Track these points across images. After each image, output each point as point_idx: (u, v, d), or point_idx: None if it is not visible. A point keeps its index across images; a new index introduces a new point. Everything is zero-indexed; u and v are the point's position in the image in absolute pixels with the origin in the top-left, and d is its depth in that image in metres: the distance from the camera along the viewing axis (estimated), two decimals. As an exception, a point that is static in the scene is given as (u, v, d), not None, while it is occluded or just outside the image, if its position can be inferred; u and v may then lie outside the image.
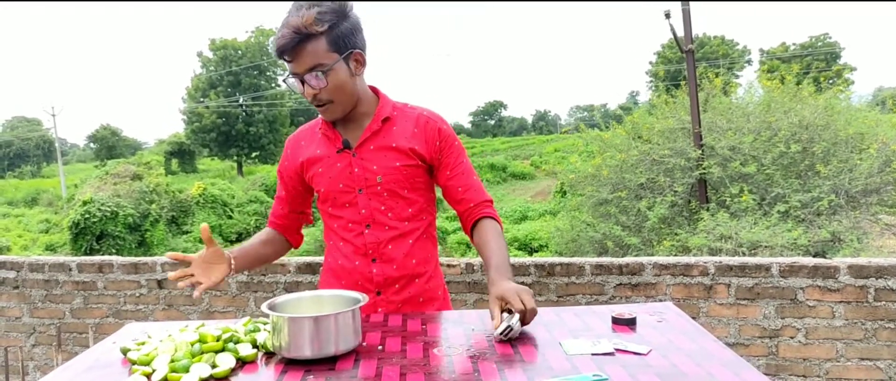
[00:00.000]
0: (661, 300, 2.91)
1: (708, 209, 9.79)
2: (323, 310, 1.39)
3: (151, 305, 3.42)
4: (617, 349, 1.31)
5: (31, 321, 3.60)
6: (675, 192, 10.35)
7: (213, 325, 1.55)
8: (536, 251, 18.13)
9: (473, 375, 1.22)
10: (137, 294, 3.44)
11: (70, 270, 3.52)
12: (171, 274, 1.53)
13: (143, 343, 1.43)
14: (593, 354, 1.30)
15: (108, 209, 22.75)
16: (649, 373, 1.20)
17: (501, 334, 1.35)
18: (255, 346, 1.38)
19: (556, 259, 2.99)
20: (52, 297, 3.56)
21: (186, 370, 1.23)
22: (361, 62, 1.65)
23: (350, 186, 1.70)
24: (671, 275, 2.91)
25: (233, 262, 1.64)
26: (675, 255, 8.87)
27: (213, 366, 1.26)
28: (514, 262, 3.04)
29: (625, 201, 10.75)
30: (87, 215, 22.21)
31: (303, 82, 1.59)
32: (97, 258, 3.52)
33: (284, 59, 1.58)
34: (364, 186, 1.69)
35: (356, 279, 1.72)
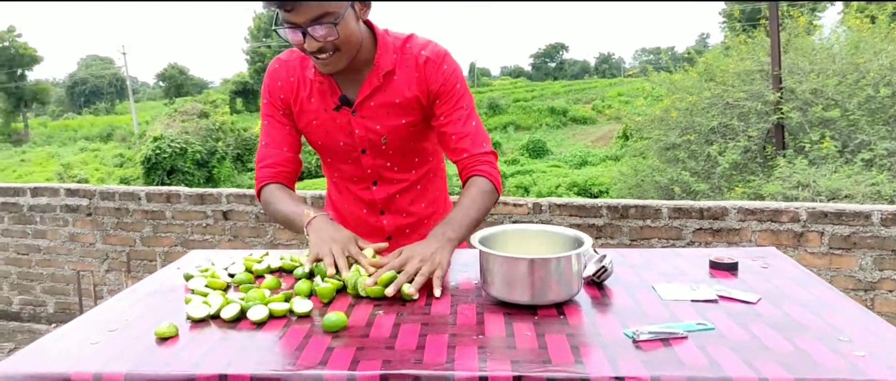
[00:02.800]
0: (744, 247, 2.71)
1: (784, 156, 9.28)
2: (529, 248, 1.25)
3: (217, 235, 3.45)
4: (720, 296, 1.17)
5: (103, 248, 3.71)
6: (749, 137, 9.84)
7: (274, 254, 1.48)
8: (596, 197, 17.79)
9: (559, 318, 1.10)
10: (204, 225, 3.48)
11: (139, 199, 3.58)
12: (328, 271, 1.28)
13: (205, 270, 1.37)
14: (693, 300, 1.15)
15: (178, 146, 23.56)
16: (760, 323, 1.05)
17: (594, 276, 1.22)
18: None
19: (631, 201, 2.81)
20: (123, 225, 3.64)
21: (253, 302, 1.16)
22: (368, 4, 1.41)
23: (351, 146, 1.52)
24: (757, 221, 2.70)
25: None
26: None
27: (289, 299, 1.18)
28: (584, 203, 2.89)
29: (694, 145, 10.29)
30: (158, 151, 23.07)
31: (304, 34, 1.30)
32: (165, 188, 3.55)
33: (282, 9, 1.28)
34: (367, 146, 1.51)
35: (364, 229, 1.61)
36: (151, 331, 1.07)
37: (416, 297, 1.19)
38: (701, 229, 2.77)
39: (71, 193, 3.71)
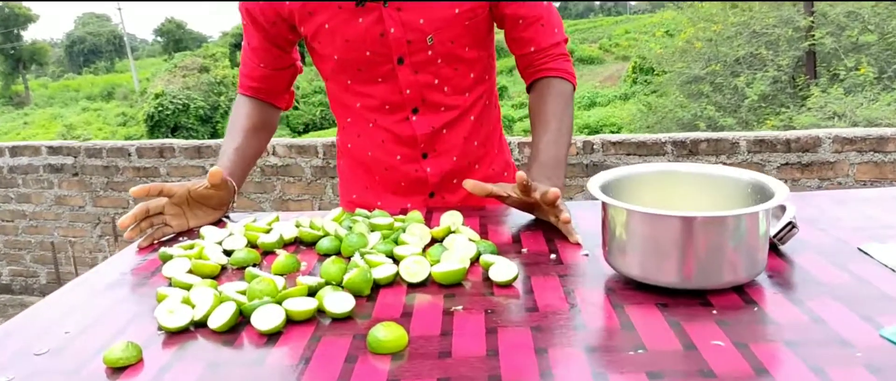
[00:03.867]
0: (840, 184, 2.29)
1: (817, 84, 8.76)
2: (681, 201, 0.85)
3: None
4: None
5: (94, 211, 3.33)
6: (779, 66, 9.30)
7: (288, 220, 1.07)
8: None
9: (752, 311, 0.69)
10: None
11: (129, 154, 3.18)
12: (120, 220, 1.02)
13: (189, 246, 0.96)
14: (948, 271, 0.74)
15: (180, 102, 23.05)
16: None
17: (776, 237, 0.81)
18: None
19: (701, 134, 2.38)
20: (114, 185, 3.25)
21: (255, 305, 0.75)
22: None
23: (383, 55, 1.10)
24: (856, 151, 2.26)
25: (235, 188, 1.14)
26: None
27: (312, 292, 0.78)
28: (645, 139, 2.45)
29: (719, 77, 9.76)
30: (160, 108, 22.61)
31: None
32: (157, 142, 3.14)
33: None
34: (406, 52, 1.10)
35: (398, 179, 1.21)
36: (100, 355, 0.67)
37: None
38: (787, 164, 2.34)
39: (53, 151, 3.30)
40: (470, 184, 0.90)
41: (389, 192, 1.22)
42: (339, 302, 0.72)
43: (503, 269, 0.79)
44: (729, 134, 2.36)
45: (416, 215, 1.00)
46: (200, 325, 0.73)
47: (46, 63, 52.91)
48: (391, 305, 0.75)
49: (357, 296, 0.78)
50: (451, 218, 0.99)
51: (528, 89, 1.18)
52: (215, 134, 23.18)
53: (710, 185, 0.83)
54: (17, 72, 46.31)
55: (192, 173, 3.08)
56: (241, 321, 0.73)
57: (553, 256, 0.87)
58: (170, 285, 0.84)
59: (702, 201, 0.82)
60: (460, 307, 0.73)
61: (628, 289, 0.75)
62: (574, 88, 1.16)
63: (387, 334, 0.64)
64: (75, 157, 3.27)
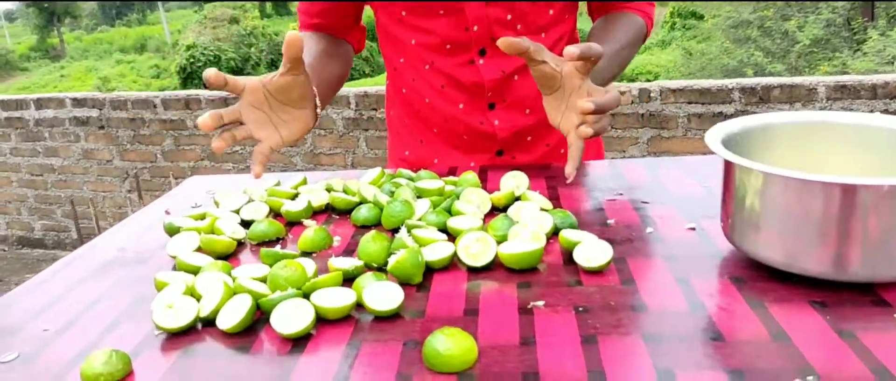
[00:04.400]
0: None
1: (875, 27, 8.22)
2: (823, 161, 0.67)
3: (248, 146, 2.92)
4: None
5: (122, 165, 3.23)
6: (833, 8, 8.74)
7: (317, 183, 0.90)
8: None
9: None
10: (231, 134, 2.94)
11: (155, 106, 3.05)
12: (201, 120, 0.74)
13: (200, 216, 0.80)
14: None
15: (211, 54, 22.98)
16: None
17: None
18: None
19: (775, 79, 2.13)
20: (140, 138, 3.14)
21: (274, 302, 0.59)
22: None
23: None
24: (955, 98, 2.00)
25: (319, 103, 0.85)
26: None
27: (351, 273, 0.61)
28: (708, 85, 2.22)
29: (769, 21, 9.23)
30: (191, 60, 22.58)
31: None
32: (183, 93, 3.00)
33: None
34: None
35: (460, 131, 1.01)
36: (79, 366, 0.52)
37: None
38: (873, 111, 2.09)
39: (78, 103, 3.19)
40: (505, 42, 0.68)
41: (450, 146, 1.03)
42: (383, 295, 0.56)
43: (593, 250, 0.61)
44: (805, 79, 2.11)
45: (471, 176, 0.82)
46: (209, 322, 0.57)
47: (80, 16, 53.20)
48: (450, 297, 0.58)
49: (405, 284, 0.61)
50: (515, 180, 0.81)
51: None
52: (246, 86, 23.09)
53: (871, 140, 0.63)
54: (51, 25, 46.72)
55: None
56: (260, 317, 0.57)
57: (650, 230, 0.69)
58: (175, 268, 0.68)
59: (860, 163, 0.63)
60: (541, 303, 0.56)
61: (764, 279, 0.57)
62: (647, 35, 0.97)
63: (450, 345, 0.47)
64: (100, 109, 3.15)
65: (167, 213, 0.87)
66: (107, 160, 3.24)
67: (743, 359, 0.46)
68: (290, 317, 0.53)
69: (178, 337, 0.55)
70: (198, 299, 0.58)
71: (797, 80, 2.12)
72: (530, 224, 0.67)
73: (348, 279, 0.62)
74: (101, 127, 3.19)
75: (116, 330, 0.57)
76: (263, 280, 0.61)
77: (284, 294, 0.56)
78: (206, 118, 0.72)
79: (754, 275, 0.57)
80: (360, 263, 0.63)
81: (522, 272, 0.62)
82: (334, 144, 2.77)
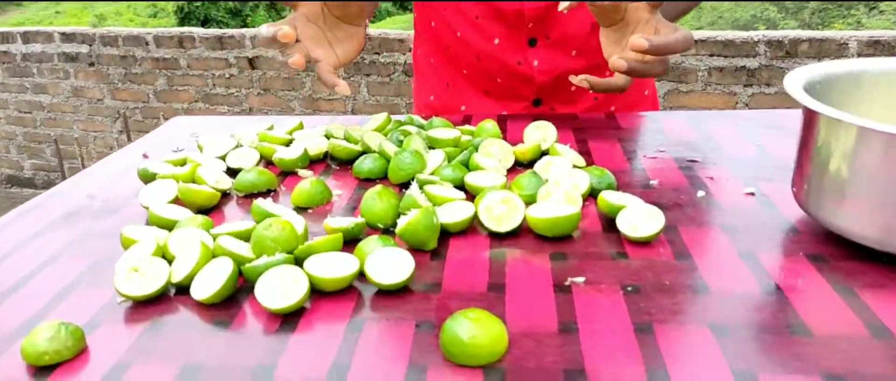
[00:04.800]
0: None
1: (894, -15, 7.98)
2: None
3: (244, 88, 2.80)
4: None
5: (113, 104, 3.11)
6: (852, -36, 8.46)
7: (315, 127, 0.80)
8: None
9: None
10: (227, 75, 2.81)
11: (147, 43, 2.91)
12: (267, 32, 0.65)
13: (180, 162, 0.70)
14: None
15: (208, -7, 22.45)
16: None
17: None
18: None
19: (804, 32, 2.00)
20: (132, 76, 3.01)
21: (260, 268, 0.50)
22: None
23: None
24: None
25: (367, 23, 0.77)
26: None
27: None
28: (733, 37, 2.09)
29: (784, -24, 8.94)
30: (189, -1, 22.06)
31: None
32: (176, 30, 2.86)
33: None
34: None
35: (493, 72, 0.89)
36: (19, 342, 0.43)
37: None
38: (906, 71, 1.97)
39: (66, 37, 3.05)
40: None
41: (479, 92, 0.91)
42: (390, 264, 0.46)
43: (640, 216, 0.51)
44: (836, 33, 1.98)
45: (491, 126, 0.72)
46: (183, 289, 0.48)
47: (75, -50, 51.91)
48: (470, 268, 0.49)
49: (417, 250, 0.52)
50: (540, 131, 0.71)
51: None
52: (245, 27, 22.71)
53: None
54: (46, -41, 45.59)
55: (215, 67, 2.81)
56: (243, 285, 0.48)
57: (701, 193, 0.59)
58: (147, 220, 0.59)
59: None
60: (581, 279, 0.46)
61: (849, 258, 0.47)
62: None
63: (476, 333, 0.38)
64: (90, 44, 3.01)
65: (145, 157, 0.78)
66: (97, 99, 3.12)
67: (841, 361, 0.37)
68: (279, 288, 0.44)
69: (145, 307, 0.46)
70: (170, 261, 0.49)
71: (827, 33, 1.99)
72: (563, 183, 0.57)
73: (349, 242, 0.53)
74: (92, 64, 3.05)
75: (72, 296, 0.48)
76: (248, 237, 0.52)
77: (272, 260, 0.46)
78: (286, 30, 0.64)
79: (837, 253, 0.48)
80: (362, 221, 0.54)
81: (555, 241, 0.52)
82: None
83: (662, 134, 0.76)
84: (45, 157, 3.38)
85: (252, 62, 2.74)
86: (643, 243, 0.51)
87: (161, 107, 3.00)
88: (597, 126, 0.79)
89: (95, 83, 3.08)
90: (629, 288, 0.45)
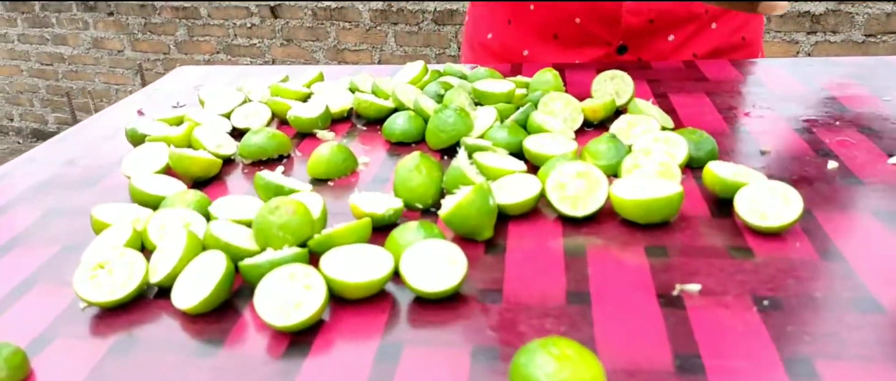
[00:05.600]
0: None
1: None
2: None
3: (266, 39, 2.67)
4: None
5: (133, 55, 3.01)
6: None
7: (338, 79, 0.68)
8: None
9: None
10: (248, 25, 2.68)
11: (165, -8, 2.78)
12: None
13: (178, 121, 0.59)
14: None
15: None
16: None
17: None
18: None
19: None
20: (152, 27, 2.90)
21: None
22: None
23: None
24: None
25: None
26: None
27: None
28: (798, -22, 1.89)
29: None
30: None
31: None
32: (195, -23, 2.72)
33: None
34: None
35: (570, 12, 0.72)
36: (-50, 360, 0.32)
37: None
38: None
39: (84, -14, 2.94)
40: None
41: (548, 33, 0.75)
42: (434, 263, 0.34)
43: (766, 198, 0.38)
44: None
45: (550, 77, 0.59)
46: (163, 293, 0.37)
47: None
48: (539, 266, 0.37)
49: (468, 240, 0.40)
50: (613, 83, 0.58)
51: None
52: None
53: None
54: None
55: (237, 16, 2.68)
56: (241, 288, 0.37)
57: (833, 164, 0.46)
58: (131, 198, 0.47)
59: None
60: (696, 288, 0.34)
61: None
62: None
63: (563, 375, 0.26)
64: (108, -7, 2.90)
65: (140, 113, 0.66)
66: (117, 50, 3.02)
67: None
68: (287, 295, 0.33)
69: (114, 316, 0.35)
70: (151, 253, 0.38)
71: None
72: (655, 152, 0.44)
73: (380, 229, 0.41)
74: (111, 13, 2.95)
75: (24, 299, 0.37)
76: (248, 224, 0.40)
77: (278, 256, 0.35)
78: None
79: None
80: (399, 204, 0.42)
81: (649, 228, 0.40)
82: (359, 39, 2.50)
83: (761, 84, 0.62)
84: (67, 110, 3.32)
85: (274, 11, 2.60)
86: (771, 235, 0.38)
87: (181, 58, 2.90)
88: (676, 77, 0.65)
89: (115, 34, 2.98)
90: (766, 302, 0.33)
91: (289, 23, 2.61)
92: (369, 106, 0.58)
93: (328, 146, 0.49)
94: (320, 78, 0.67)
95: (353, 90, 0.63)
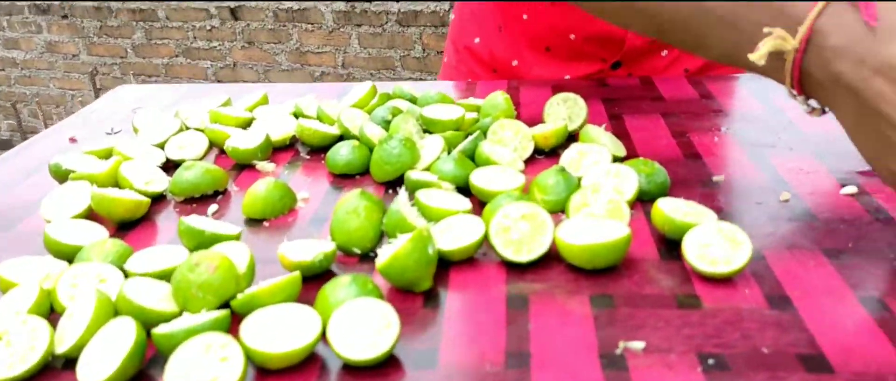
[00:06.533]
0: None
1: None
2: None
3: (227, 42, 2.60)
4: None
5: (90, 60, 2.92)
6: None
7: (283, 102, 0.65)
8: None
9: None
10: (208, 28, 2.61)
11: (121, -6, 2.70)
12: None
13: (106, 154, 0.55)
14: None
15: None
16: None
17: None
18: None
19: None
20: (108, 30, 2.81)
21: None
22: None
23: None
24: None
25: None
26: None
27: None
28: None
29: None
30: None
31: None
32: (152, -22, 2.65)
33: None
34: None
35: (569, 23, 0.69)
36: None
37: None
38: None
39: (36, -12, 2.84)
40: None
41: (540, 47, 0.71)
42: (363, 326, 0.32)
43: (716, 240, 0.37)
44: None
45: (501, 99, 0.57)
46: (68, 365, 0.34)
47: None
48: (479, 320, 0.35)
49: (407, 291, 0.37)
50: (566, 106, 0.56)
51: None
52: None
53: None
54: None
55: (196, 18, 2.61)
56: (155, 357, 0.34)
57: (786, 195, 0.44)
58: (48, 246, 0.44)
59: None
60: (639, 345, 0.32)
61: None
62: None
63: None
64: (61, -5, 2.80)
65: (72, 141, 0.63)
66: (72, 54, 2.93)
67: None
68: (201, 370, 0.30)
69: (14, 393, 0.32)
70: (49, 325, 0.35)
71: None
72: (603, 188, 0.42)
73: (312, 278, 0.38)
74: (64, 16, 2.85)
75: (-85, 372, 0.34)
76: (167, 277, 0.38)
77: (192, 324, 0.32)
78: None
79: None
80: (331, 247, 0.39)
81: (596, 274, 0.38)
82: (323, 41, 2.46)
83: (713, 99, 0.60)
84: (21, 117, 3.21)
85: (234, 12, 2.54)
86: (720, 280, 0.36)
87: (140, 63, 2.82)
88: (632, 96, 0.64)
89: (70, 37, 2.88)
90: (711, 361, 0.31)
91: (250, 25, 2.55)
92: (313, 134, 0.55)
93: (264, 183, 0.47)
94: (264, 101, 0.64)
95: (296, 115, 0.60)
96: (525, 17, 0.71)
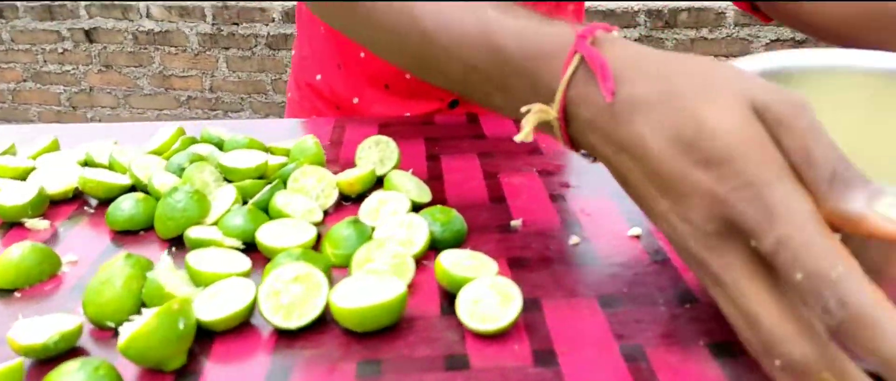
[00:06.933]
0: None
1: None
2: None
3: (82, 65, 2.42)
4: None
5: (-80, 86, 2.63)
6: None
7: (75, 146, 0.59)
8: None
9: None
10: (60, 50, 2.42)
11: (-43, 13, 2.45)
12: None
13: None
14: None
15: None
16: None
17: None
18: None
19: (683, 3, 1.95)
20: (-58, 52, 2.54)
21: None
22: None
23: None
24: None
25: None
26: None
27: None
28: (614, 7, 2.01)
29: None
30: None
31: None
32: (-7, -3, 2.42)
33: None
34: None
35: (399, 69, 0.65)
36: None
37: None
38: (779, 40, 1.97)
39: None
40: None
41: (379, 84, 0.72)
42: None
43: (488, 295, 0.36)
44: (715, 3, 1.95)
45: (311, 144, 0.54)
46: None
47: None
48: (233, 401, 0.32)
49: (157, 370, 0.34)
50: (379, 150, 0.54)
51: None
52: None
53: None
54: None
55: (46, 40, 2.41)
56: None
57: (575, 240, 0.45)
58: None
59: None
60: (396, 419, 0.31)
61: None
62: None
63: None
64: None
65: None
66: None
67: None
68: None
69: None
70: None
71: (706, 3, 1.95)
72: (389, 242, 0.41)
73: (49, 360, 0.34)
74: None
75: None
76: None
77: None
78: None
79: (750, 344, 0.35)
80: (72, 325, 0.35)
81: (369, 337, 0.36)
82: (187, 65, 2.34)
83: (534, 141, 0.61)
84: None
85: (89, 34, 2.37)
86: (493, 336, 0.36)
87: (-17, 88, 2.56)
88: (455, 134, 0.64)
89: None
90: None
91: (107, 48, 2.39)
92: (97, 185, 0.50)
93: (20, 248, 0.42)
94: (54, 147, 0.58)
95: (86, 164, 0.55)
96: (362, 54, 0.71)
